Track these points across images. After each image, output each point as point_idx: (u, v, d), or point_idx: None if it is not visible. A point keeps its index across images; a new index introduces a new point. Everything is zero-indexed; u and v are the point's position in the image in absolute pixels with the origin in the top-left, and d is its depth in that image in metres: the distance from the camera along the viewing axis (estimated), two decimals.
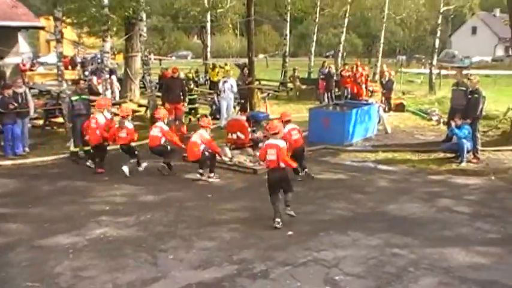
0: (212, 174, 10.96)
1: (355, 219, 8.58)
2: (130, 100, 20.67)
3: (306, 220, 8.49)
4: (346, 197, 9.78)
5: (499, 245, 7.50)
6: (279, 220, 8.12)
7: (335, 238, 7.67)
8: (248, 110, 17.91)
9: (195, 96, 19.37)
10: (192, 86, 19.68)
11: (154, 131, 11.43)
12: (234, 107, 18.40)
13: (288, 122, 10.59)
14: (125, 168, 11.21)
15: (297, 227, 8.13)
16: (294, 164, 9.05)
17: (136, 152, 11.60)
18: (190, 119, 17.76)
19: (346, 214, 8.85)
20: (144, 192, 10.13)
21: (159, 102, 16.54)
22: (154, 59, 40.12)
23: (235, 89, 17.18)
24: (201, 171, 10.90)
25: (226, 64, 27.01)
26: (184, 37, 72.31)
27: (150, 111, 16.47)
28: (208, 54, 34.89)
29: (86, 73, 23.54)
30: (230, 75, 18.33)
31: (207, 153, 10.85)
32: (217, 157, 11.32)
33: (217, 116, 17.75)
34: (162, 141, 11.34)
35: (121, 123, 11.47)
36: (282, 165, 8.33)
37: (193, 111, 18.54)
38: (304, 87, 25.98)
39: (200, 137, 10.89)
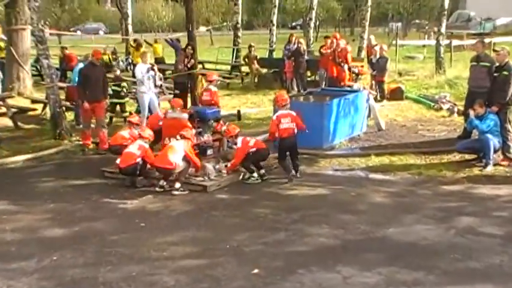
0: (179, 185, 11.52)
1: (344, 249, 8.64)
2: (19, 94, 20.18)
3: (277, 253, 8.48)
4: (330, 219, 9.83)
5: None
6: (293, 172, 11.78)
7: (319, 276, 7.67)
8: (190, 105, 17.82)
9: (125, 86, 18.76)
10: (118, 72, 19.29)
11: (131, 148, 12.01)
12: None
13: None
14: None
15: (266, 263, 8.09)
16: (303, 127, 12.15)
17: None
18: (111, 118, 17.52)
19: (331, 243, 8.89)
20: (48, 224, 9.96)
21: (62, 96, 16.18)
22: (51, 34, 39.47)
23: (157, 77, 16.94)
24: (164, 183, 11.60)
25: (156, 41, 26.81)
26: (93, 4, 71.82)
27: (51, 110, 16.03)
28: (130, 28, 34.70)
29: None
30: (147, 57, 17.68)
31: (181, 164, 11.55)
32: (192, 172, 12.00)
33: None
34: (138, 160, 11.83)
35: (206, 87, 15.84)
36: (295, 132, 11.84)
37: (118, 107, 18.07)
38: (264, 71, 26.18)
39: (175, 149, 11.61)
